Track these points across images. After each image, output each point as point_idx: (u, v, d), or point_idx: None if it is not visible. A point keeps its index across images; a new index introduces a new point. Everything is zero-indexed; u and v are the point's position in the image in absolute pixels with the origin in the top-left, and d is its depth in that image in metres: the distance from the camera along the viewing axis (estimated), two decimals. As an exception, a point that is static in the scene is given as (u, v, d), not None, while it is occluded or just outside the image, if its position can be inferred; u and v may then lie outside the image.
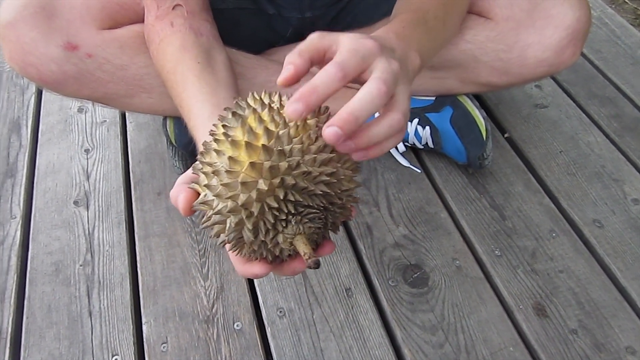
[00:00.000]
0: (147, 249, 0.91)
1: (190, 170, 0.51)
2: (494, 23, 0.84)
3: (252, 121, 0.44)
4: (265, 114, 0.45)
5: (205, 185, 0.45)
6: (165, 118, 0.99)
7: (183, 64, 0.69)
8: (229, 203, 0.43)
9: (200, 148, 0.60)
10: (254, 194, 0.43)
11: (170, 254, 0.90)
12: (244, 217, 0.44)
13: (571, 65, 0.85)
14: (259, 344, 0.79)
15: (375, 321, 0.81)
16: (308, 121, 0.45)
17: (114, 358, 0.78)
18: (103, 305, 0.85)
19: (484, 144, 0.94)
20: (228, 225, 0.45)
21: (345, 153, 0.46)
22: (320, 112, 0.47)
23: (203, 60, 0.70)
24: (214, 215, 0.45)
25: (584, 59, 1.27)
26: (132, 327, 0.82)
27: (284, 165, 0.43)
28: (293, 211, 0.45)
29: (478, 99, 1.02)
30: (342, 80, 0.43)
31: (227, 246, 0.48)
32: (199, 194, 0.47)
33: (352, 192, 0.49)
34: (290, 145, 0.43)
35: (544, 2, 0.81)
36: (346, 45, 0.45)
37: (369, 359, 0.77)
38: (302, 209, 0.45)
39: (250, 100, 0.48)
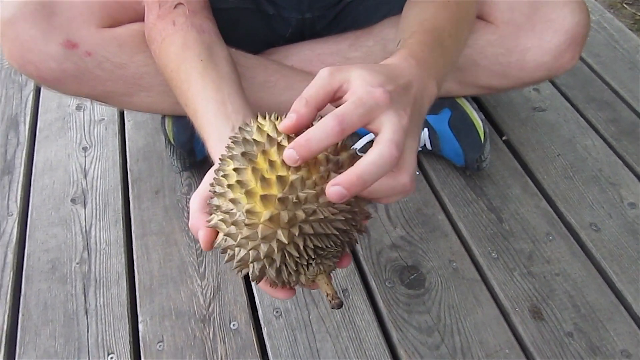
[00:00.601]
0: (144, 248, 0.91)
1: (202, 190, 0.52)
2: (494, 27, 0.85)
3: (262, 163, 0.45)
4: (274, 153, 0.45)
5: (225, 234, 0.46)
6: (163, 117, 0.99)
7: (186, 63, 0.69)
8: (252, 252, 0.45)
9: (210, 155, 0.61)
10: (274, 245, 0.44)
11: (167, 252, 0.90)
12: (267, 265, 0.46)
13: (570, 69, 0.85)
14: (255, 343, 0.79)
15: (371, 322, 0.81)
16: (318, 155, 0.45)
17: (110, 356, 0.78)
18: (99, 303, 0.84)
19: (482, 147, 0.94)
20: (252, 269, 0.47)
21: None
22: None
23: (205, 58, 0.70)
24: (237, 260, 0.47)
25: (582, 63, 1.27)
26: (128, 325, 0.82)
27: (300, 214, 0.44)
28: (313, 256, 0.46)
29: (476, 101, 1.02)
30: (339, 135, 0.42)
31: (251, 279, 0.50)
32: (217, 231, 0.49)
33: (365, 212, 0.50)
34: (305, 193, 0.44)
35: (543, 6, 0.81)
36: (356, 91, 0.44)
37: (365, 359, 0.77)
38: (322, 252, 0.47)
39: (256, 132, 0.47)
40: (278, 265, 0.46)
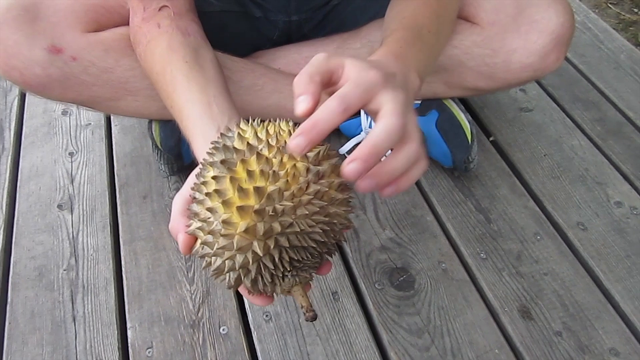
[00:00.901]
0: (132, 253, 0.91)
1: (185, 192, 0.52)
2: (479, 28, 0.85)
3: (241, 172, 0.44)
4: (253, 162, 0.45)
5: (202, 242, 0.46)
6: (150, 121, 0.98)
7: (171, 65, 0.69)
8: (227, 262, 0.45)
9: (196, 156, 0.61)
10: (249, 256, 0.44)
11: (155, 258, 0.90)
12: (242, 275, 0.46)
13: (555, 70, 0.86)
14: (245, 348, 0.79)
15: (361, 325, 0.81)
16: (297, 164, 0.45)
17: (99, 363, 0.78)
18: (87, 310, 0.84)
19: (470, 148, 0.95)
20: (227, 278, 0.47)
21: (342, 191, 0.47)
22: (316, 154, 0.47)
23: (191, 60, 0.69)
24: (213, 269, 0.47)
25: (567, 63, 1.28)
26: (117, 332, 0.81)
27: (276, 227, 0.43)
28: (289, 268, 0.46)
29: (463, 102, 1.02)
30: (343, 114, 0.43)
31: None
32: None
33: (345, 222, 0.49)
34: (283, 205, 0.44)
35: (528, 7, 0.82)
36: (350, 75, 0.45)
37: (356, 362, 0.77)
38: (298, 264, 0.47)
39: (237, 140, 0.47)
40: (253, 276, 0.46)
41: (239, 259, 0.44)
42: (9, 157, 1.08)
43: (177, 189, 0.97)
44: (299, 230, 0.44)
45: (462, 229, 0.94)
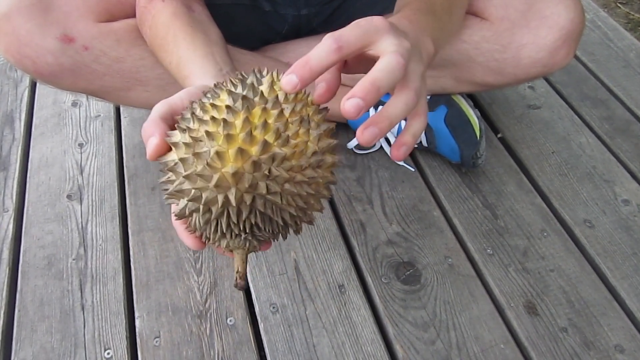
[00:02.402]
0: (141, 244, 0.91)
1: (173, 101, 0.48)
2: (489, 23, 0.85)
3: (257, 118, 0.42)
4: (272, 116, 0.42)
5: (180, 158, 0.43)
6: (160, 113, 0.99)
7: (175, 28, 0.68)
8: (194, 191, 0.42)
9: (195, 85, 0.55)
10: (220, 198, 0.41)
11: (163, 248, 0.90)
12: (201, 211, 0.43)
13: (565, 66, 0.86)
14: (252, 339, 0.79)
15: (367, 318, 0.82)
16: (309, 143, 0.43)
17: (107, 352, 0.78)
18: (96, 299, 0.84)
19: (478, 144, 0.95)
20: (181, 205, 0.44)
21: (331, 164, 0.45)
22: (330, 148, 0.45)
23: (195, 25, 0.69)
24: (174, 188, 0.43)
25: (576, 61, 1.28)
26: (124, 321, 0.82)
27: (262, 187, 0.41)
28: (247, 230, 0.44)
29: (472, 99, 1.02)
30: (337, 52, 0.40)
31: (173, 210, 0.46)
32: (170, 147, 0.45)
33: (311, 216, 0.48)
34: (278, 172, 0.42)
35: (538, 3, 0.82)
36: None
37: (361, 355, 0.78)
38: (257, 231, 0.45)
39: (266, 85, 0.44)
40: (210, 218, 0.43)
41: (209, 195, 0.41)
42: (19, 148, 1.09)
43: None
44: (278, 202, 0.42)
45: (469, 224, 0.94)
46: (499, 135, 1.10)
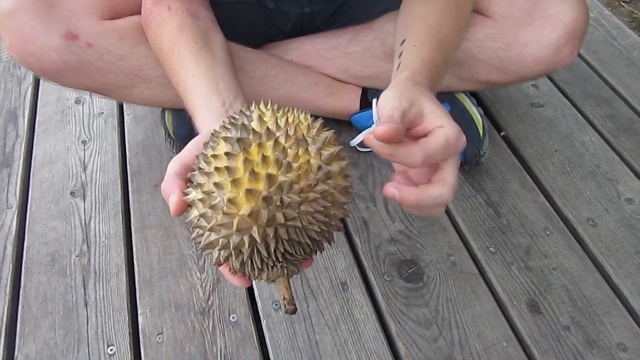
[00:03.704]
0: (144, 241, 0.91)
1: (184, 156, 0.52)
2: (492, 21, 0.85)
3: (255, 155, 0.44)
4: (269, 148, 0.45)
5: (200, 214, 0.45)
6: (163, 110, 0.99)
7: (180, 44, 0.69)
8: (222, 240, 0.45)
9: (202, 133, 0.59)
10: (246, 239, 0.44)
11: (166, 245, 0.90)
12: (233, 256, 0.46)
13: (569, 64, 0.85)
14: (255, 336, 0.80)
15: (370, 315, 0.82)
16: (311, 160, 0.45)
17: (110, 348, 0.79)
18: (99, 295, 0.85)
19: (481, 142, 0.95)
20: (216, 255, 0.46)
21: (343, 192, 0.48)
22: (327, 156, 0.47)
23: (200, 41, 0.70)
24: (204, 242, 0.46)
25: (580, 60, 1.28)
26: (127, 317, 0.82)
27: (280, 217, 0.44)
28: (280, 259, 0.46)
29: (475, 97, 1.02)
30: (417, 165, 0.47)
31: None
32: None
33: (339, 224, 0.50)
34: (290, 198, 0.44)
35: (542, 1, 0.81)
36: (442, 134, 0.48)
37: (364, 352, 0.78)
38: (290, 257, 0.47)
39: (256, 121, 0.47)
40: (244, 259, 0.46)
41: (235, 239, 0.44)
42: (23, 145, 1.09)
43: (189, 178, 0.98)
44: (299, 225, 0.45)
45: (472, 222, 0.94)
46: (502, 134, 1.10)
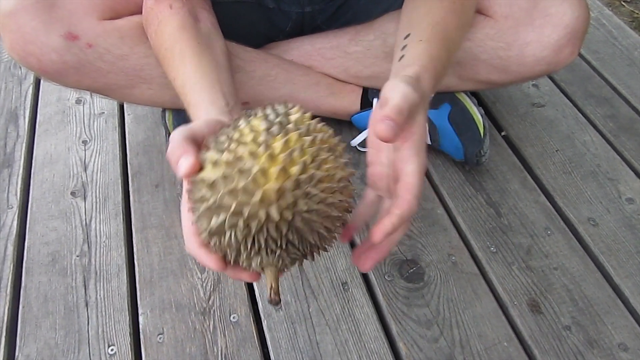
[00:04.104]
0: (144, 241, 0.91)
1: (194, 125, 0.50)
2: (493, 21, 0.85)
3: (292, 142, 0.44)
4: (306, 142, 0.45)
5: (222, 175, 0.44)
6: (164, 110, 0.99)
7: (182, 42, 0.69)
8: (235, 206, 0.43)
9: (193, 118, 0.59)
10: (262, 213, 0.43)
11: (167, 245, 0.90)
12: (239, 227, 0.44)
13: (569, 64, 0.85)
14: (255, 336, 0.80)
15: (370, 315, 0.82)
16: (338, 171, 0.46)
17: (110, 348, 0.79)
18: (99, 295, 0.85)
19: (482, 141, 0.95)
20: (220, 221, 0.44)
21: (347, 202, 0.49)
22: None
23: (202, 43, 0.70)
24: (213, 203, 0.44)
25: (581, 59, 1.27)
26: (128, 317, 0.82)
27: (302, 205, 0.43)
28: (284, 247, 0.45)
29: (475, 97, 1.02)
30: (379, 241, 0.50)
31: (194, 222, 0.47)
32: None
33: (334, 237, 0.50)
34: (316, 192, 0.44)
35: (543, 1, 0.81)
36: (398, 214, 0.50)
37: (364, 352, 0.78)
38: (291, 248, 0.46)
39: (298, 116, 0.47)
40: (248, 233, 0.44)
41: (251, 210, 0.43)
42: (24, 145, 1.09)
43: (189, 178, 0.98)
44: (314, 220, 0.45)
45: (473, 222, 0.94)
46: (502, 134, 1.10)
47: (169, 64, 0.70)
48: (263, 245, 0.45)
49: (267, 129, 0.44)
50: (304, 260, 0.50)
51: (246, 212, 0.43)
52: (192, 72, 0.66)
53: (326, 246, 0.50)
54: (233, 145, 0.44)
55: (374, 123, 0.50)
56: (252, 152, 0.43)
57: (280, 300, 0.47)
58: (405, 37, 0.66)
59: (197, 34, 0.71)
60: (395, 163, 0.52)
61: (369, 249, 0.54)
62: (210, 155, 0.45)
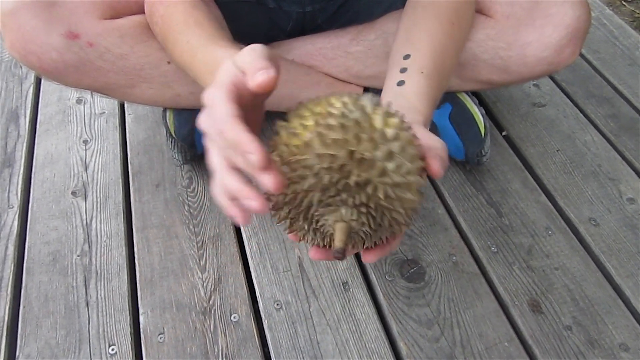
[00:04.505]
0: (145, 240, 0.91)
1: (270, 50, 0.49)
2: (494, 21, 0.85)
3: (394, 125, 0.46)
4: (404, 135, 0.47)
5: (340, 123, 0.44)
6: (165, 109, 0.99)
7: (196, 16, 0.68)
8: (336, 151, 0.44)
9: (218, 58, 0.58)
10: (375, 172, 0.44)
11: (167, 245, 0.90)
12: (336, 168, 0.44)
13: (570, 64, 0.85)
14: (256, 335, 0.80)
15: (371, 315, 0.82)
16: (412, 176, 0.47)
17: (111, 348, 0.79)
18: (100, 295, 0.85)
19: (483, 141, 0.94)
20: (314, 180, 0.44)
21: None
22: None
23: (216, 22, 0.69)
24: (332, 135, 0.44)
25: (582, 59, 1.27)
26: (129, 317, 0.82)
27: (395, 177, 0.45)
28: (364, 209, 0.46)
29: (476, 97, 1.02)
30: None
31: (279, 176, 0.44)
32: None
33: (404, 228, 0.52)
34: (406, 179, 0.46)
35: (544, 1, 0.81)
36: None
37: (365, 352, 0.78)
38: (370, 217, 0.47)
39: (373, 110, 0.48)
40: (340, 177, 0.44)
41: (377, 153, 0.44)
42: (24, 144, 1.09)
43: (190, 178, 0.99)
44: (399, 199, 0.46)
45: (473, 222, 0.94)
46: (503, 133, 1.09)
47: (180, 32, 0.68)
48: (349, 192, 0.45)
49: (365, 108, 0.47)
50: (363, 244, 0.51)
51: (358, 157, 0.44)
52: (214, 32, 0.65)
53: (387, 236, 0.51)
54: (341, 102, 0.47)
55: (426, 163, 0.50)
56: (369, 115, 0.46)
57: (345, 255, 0.47)
58: (405, 58, 0.67)
59: (211, 14, 0.70)
60: None
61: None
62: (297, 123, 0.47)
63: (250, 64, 0.45)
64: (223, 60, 0.52)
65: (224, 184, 0.44)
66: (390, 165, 0.45)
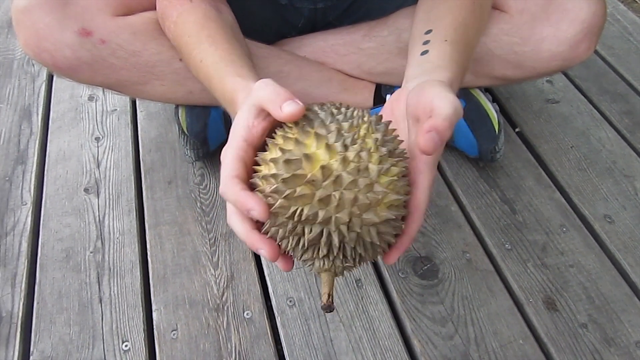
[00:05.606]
0: (158, 237, 0.91)
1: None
2: (508, 16, 0.84)
3: (370, 146, 0.45)
4: (375, 152, 0.45)
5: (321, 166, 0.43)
6: (177, 106, 0.99)
7: (210, 29, 0.69)
8: (316, 202, 0.43)
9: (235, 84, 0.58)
10: (343, 215, 0.43)
11: (180, 242, 0.90)
12: (333, 228, 0.44)
13: (585, 60, 0.84)
14: (269, 332, 0.79)
15: (385, 312, 0.81)
16: (398, 188, 0.46)
17: (124, 344, 0.79)
18: (113, 292, 0.85)
19: (497, 138, 0.94)
20: (296, 210, 0.44)
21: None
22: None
23: (230, 32, 0.69)
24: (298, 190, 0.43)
25: (596, 55, 1.26)
26: (142, 314, 0.82)
27: (372, 218, 0.44)
28: (348, 257, 0.46)
29: (490, 93, 1.01)
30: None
31: (268, 204, 0.45)
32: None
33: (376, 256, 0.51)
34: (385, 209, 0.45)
35: (559, -5, 0.80)
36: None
37: (379, 349, 0.77)
38: (353, 256, 0.47)
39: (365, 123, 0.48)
40: (328, 238, 0.44)
41: (326, 213, 0.43)
42: (37, 142, 1.09)
43: (202, 175, 0.98)
44: (381, 232, 0.45)
45: (487, 219, 0.93)
46: (517, 130, 1.09)
47: (194, 49, 0.69)
48: (336, 251, 0.45)
49: (343, 140, 0.45)
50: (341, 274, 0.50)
51: (320, 216, 0.43)
52: (226, 52, 0.65)
53: (367, 260, 0.50)
54: (332, 122, 0.47)
55: (418, 132, 0.47)
56: (351, 158, 0.44)
57: (333, 309, 0.48)
58: (427, 33, 0.65)
59: (224, 24, 0.71)
60: (408, 170, 0.50)
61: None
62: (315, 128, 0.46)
63: (273, 97, 0.47)
64: (237, 94, 0.57)
65: (235, 231, 0.49)
66: (343, 194, 0.43)
